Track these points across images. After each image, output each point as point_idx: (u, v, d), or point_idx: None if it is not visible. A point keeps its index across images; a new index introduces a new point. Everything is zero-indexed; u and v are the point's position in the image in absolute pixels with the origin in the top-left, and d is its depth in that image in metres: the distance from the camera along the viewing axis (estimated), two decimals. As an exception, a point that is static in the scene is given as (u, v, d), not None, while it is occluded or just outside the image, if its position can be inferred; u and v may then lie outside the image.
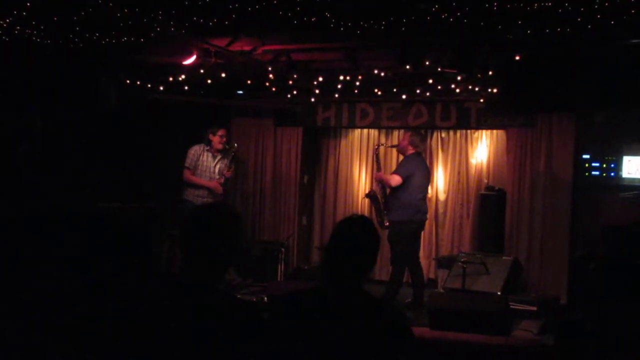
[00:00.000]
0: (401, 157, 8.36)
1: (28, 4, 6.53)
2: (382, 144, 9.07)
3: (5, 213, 7.44)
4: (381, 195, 8.15)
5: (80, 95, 8.60)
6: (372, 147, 9.32)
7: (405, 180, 7.78)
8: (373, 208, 8.32)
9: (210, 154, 8.56)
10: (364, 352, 2.75)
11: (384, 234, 7.85)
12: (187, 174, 8.49)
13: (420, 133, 8.33)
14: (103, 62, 8.27)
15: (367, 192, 8.70)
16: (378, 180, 8.26)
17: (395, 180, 7.81)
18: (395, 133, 9.67)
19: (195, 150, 8.53)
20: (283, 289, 3.04)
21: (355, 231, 2.98)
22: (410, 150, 7.97)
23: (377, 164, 8.46)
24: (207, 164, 8.55)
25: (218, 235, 2.79)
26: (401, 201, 7.80)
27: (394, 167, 8.71)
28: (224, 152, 8.63)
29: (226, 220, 2.84)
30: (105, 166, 8.95)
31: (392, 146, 8.86)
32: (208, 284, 2.75)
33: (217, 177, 8.56)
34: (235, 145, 8.73)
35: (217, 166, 8.59)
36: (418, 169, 7.89)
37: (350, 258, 2.90)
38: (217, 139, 8.55)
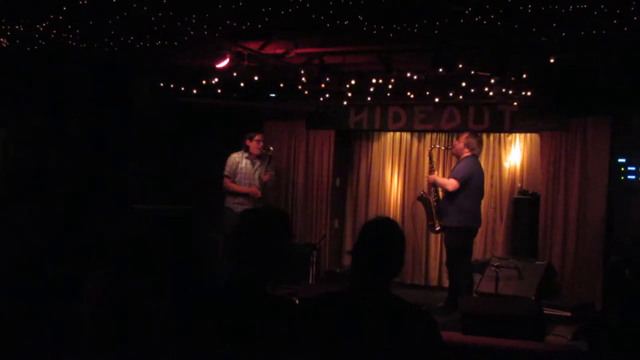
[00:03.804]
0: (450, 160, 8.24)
1: (64, 8, 6.60)
2: (437, 146, 8.93)
3: (41, 215, 7.56)
4: (434, 198, 8.01)
5: (114, 99, 8.70)
6: (428, 149, 9.17)
7: (463, 184, 7.64)
8: (424, 210, 8.19)
9: (249, 161, 8.59)
10: (392, 356, 2.74)
11: (430, 238, 7.75)
12: (226, 182, 8.54)
13: (477, 135, 8.09)
14: (137, 65, 8.35)
15: (418, 195, 8.43)
16: (431, 183, 8.08)
17: (453, 184, 7.66)
18: (428, 136, 9.63)
19: (234, 158, 8.57)
20: (314, 292, 3.04)
21: (380, 234, 2.96)
22: (466, 153, 7.82)
23: (430, 165, 8.29)
24: (247, 171, 8.57)
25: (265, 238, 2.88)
26: (460, 206, 7.66)
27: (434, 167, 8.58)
28: (262, 157, 8.64)
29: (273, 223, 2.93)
30: (139, 169, 9.04)
31: (447, 148, 8.76)
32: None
33: (258, 182, 8.57)
34: (271, 148, 8.72)
35: (257, 172, 8.61)
36: (475, 173, 7.75)
37: (376, 261, 2.89)
38: (254, 144, 8.57)
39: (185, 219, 8.62)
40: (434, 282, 9.60)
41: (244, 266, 2.85)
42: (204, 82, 8.22)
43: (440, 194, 7.96)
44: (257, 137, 8.58)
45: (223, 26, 6.96)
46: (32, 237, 6.87)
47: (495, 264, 7.71)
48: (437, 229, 7.95)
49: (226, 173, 8.55)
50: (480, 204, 7.87)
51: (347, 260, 9.83)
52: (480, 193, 7.83)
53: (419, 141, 9.76)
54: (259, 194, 8.52)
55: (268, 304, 2.79)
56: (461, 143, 7.90)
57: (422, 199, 8.14)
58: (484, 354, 5.38)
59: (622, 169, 7.92)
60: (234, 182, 8.54)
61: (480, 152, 8.12)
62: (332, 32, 6.88)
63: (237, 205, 8.46)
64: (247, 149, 8.59)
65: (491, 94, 8.17)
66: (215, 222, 8.68)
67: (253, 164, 8.60)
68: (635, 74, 7.32)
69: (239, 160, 8.57)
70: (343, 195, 10.20)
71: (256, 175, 8.58)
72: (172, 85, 8.48)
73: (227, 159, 8.60)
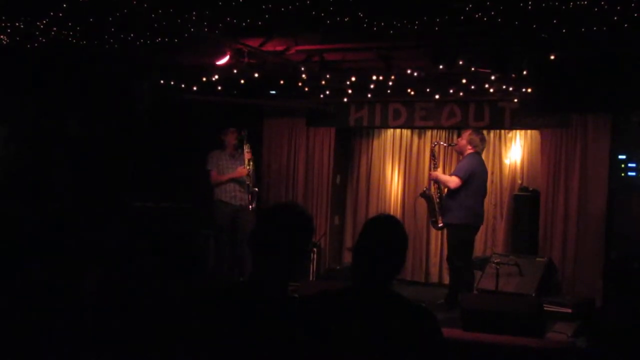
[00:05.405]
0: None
1: (64, 5, 6.61)
2: (440, 142, 8.90)
3: (42, 213, 7.56)
4: (437, 195, 7.96)
5: (115, 96, 8.70)
6: (428, 146, 9.06)
7: (465, 181, 7.58)
8: (427, 207, 8.14)
9: (229, 157, 8.67)
10: (392, 353, 2.73)
11: (430, 235, 7.71)
12: (213, 175, 8.59)
13: (481, 132, 8.01)
14: (137, 63, 8.35)
15: (421, 191, 8.29)
16: (433, 180, 8.02)
17: (454, 182, 7.59)
18: (429, 133, 9.63)
19: (214, 153, 8.67)
20: (315, 289, 3.01)
21: (382, 231, 2.95)
22: (469, 150, 7.74)
23: (434, 162, 8.20)
24: (229, 164, 8.66)
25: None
26: (461, 204, 7.59)
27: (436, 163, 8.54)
28: (239, 147, 8.70)
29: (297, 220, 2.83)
30: (139, 166, 9.05)
31: (450, 145, 8.73)
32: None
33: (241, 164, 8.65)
34: (244, 132, 8.69)
35: (238, 161, 8.68)
36: (478, 170, 7.68)
37: (377, 258, 2.87)
38: (229, 136, 8.67)
39: (185, 216, 8.64)
40: (434, 278, 9.59)
41: (263, 265, 2.80)
42: (204, 79, 8.22)
43: (443, 190, 7.93)
44: (229, 130, 8.69)
45: (223, 23, 6.97)
46: (31, 236, 6.87)
47: (495, 261, 7.70)
48: (440, 225, 7.92)
49: (210, 167, 8.62)
50: (482, 201, 7.80)
51: (347, 257, 9.84)
52: (482, 191, 7.76)
53: (420, 138, 9.75)
54: (245, 171, 8.56)
55: (283, 304, 2.76)
56: (464, 140, 7.83)
57: (425, 195, 8.07)
58: (485, 351, 5.40)
59: (623, 165, 7.91)
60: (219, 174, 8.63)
61: (483, 149, 8.02)
62: (332, 29, 6.89)
63: (225, 194, 8.57)
64: (223, 145, 8.69)
65: (491, 91, 8.17)
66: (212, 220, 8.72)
67: (232, 156, 8.68)
68: (635, 71, 7.32)
69: (219, 156, 8.66)
70: (343, 192, 10.20)
71: (238, 163, 8.65)
72: (172, 83, 8.48)
73: (207, 156, 8.66)
